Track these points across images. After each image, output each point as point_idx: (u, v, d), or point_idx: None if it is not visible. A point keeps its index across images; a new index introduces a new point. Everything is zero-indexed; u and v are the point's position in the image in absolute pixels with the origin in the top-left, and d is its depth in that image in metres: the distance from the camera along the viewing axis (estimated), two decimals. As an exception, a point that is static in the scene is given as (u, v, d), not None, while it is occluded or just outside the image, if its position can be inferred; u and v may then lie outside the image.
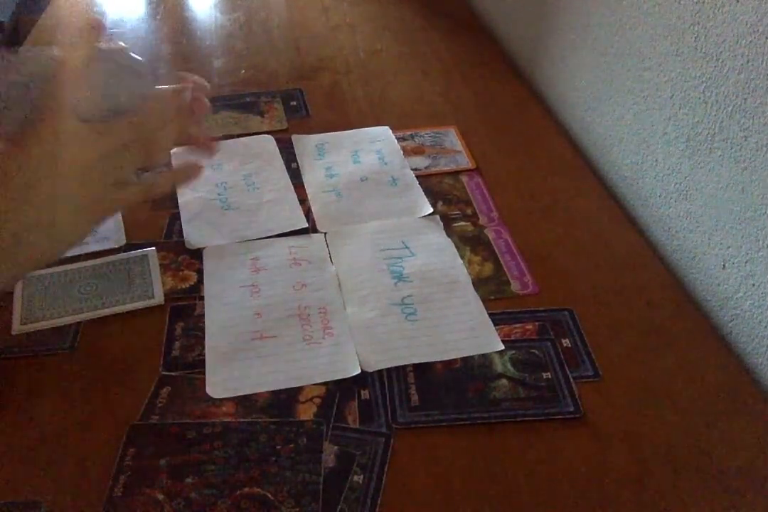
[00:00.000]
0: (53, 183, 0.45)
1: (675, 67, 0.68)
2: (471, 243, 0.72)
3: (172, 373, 0.59)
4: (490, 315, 0.63)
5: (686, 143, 0.68)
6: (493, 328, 0.62)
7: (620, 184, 0.81)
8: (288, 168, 0.83)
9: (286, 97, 0.96)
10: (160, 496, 0.50)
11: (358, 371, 0.58)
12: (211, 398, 0.57)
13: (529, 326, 0.63)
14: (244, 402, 0.57)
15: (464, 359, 0.60)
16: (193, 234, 0.73)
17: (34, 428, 0.55)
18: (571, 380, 0.58)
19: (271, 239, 0.72)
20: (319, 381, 0.58)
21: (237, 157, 0.84)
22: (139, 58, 0.50)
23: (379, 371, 0.59)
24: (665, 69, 0.69)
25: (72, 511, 0.50)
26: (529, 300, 0.65)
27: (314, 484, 0.51)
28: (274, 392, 0.57)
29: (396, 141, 0.86)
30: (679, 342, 0.61)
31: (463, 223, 0.74)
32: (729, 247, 0.64)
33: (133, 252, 0.70)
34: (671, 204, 0.72)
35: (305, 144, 0.86)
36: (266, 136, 0.88)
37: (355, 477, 0.51)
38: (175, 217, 0.75)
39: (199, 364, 0.59)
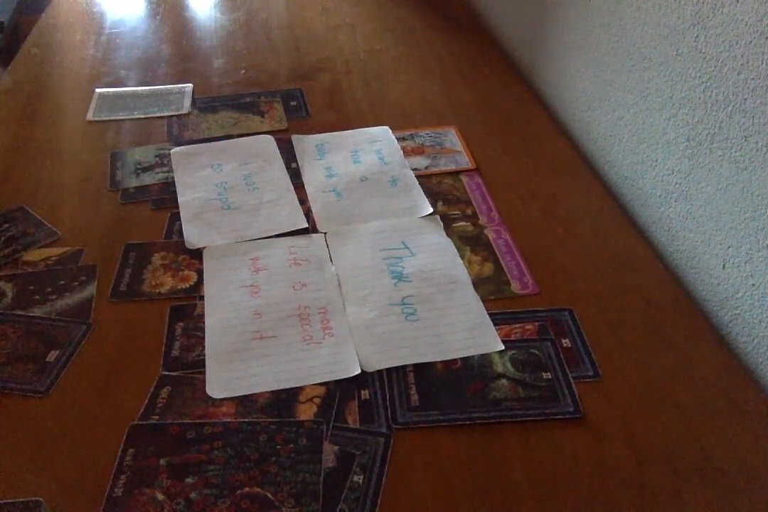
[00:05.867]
0: None
1: (675, 67, 0.68)
2: (471, 243, 0.72)
3: (172, 373, 0.59)
4: (490, 315, 0.63)
5: (686, 143, 0.68)
6: (493, 328, 0.62)
7: (620, 184, 0.81)
8: (288, 168, 0.83)
9: (286, 97, 0.96)
10: (160, 496, 0.50)
11: (358, 371, 0.58)
12: (211, 398, 0.57)
13: (529, 326, 0.63)
14: (244, 402, 0.57)
15: (464, 359, 0.60)
16: (193, 234, 0.73)
17: (34, 428, 0.55)
18: (571, 380, 0.58)
19: (271, 239, 0.72)
20: (319, 381, 0.58)
21: (237, 157, 0.84)
22: None
23: (379, 371, 0.59)
24: (665, 69, 0.69)
25: (72, 511, 0.50)
26: (529, 300, 0.65)
27: (314, 484, 0.51)
28: (274, 392, 0.57)
29: (396, 141, 0.86)
30: (679, 342, 0.61)
31: (463, 223, 0.74)
32: (729, 247, 0.64)
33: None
34: (671, 204, 0.72)
35: (305, 144, 0.87)
36: (266, 136, 0.88)
37: (355, 477, 0.51)
38: (175, 217, 0.75)
39: (199, 364, 0.59)
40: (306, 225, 0.74)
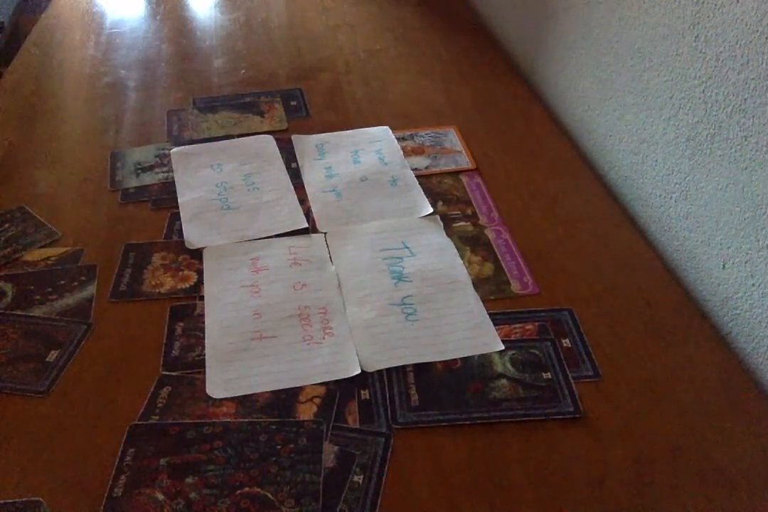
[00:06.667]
0: None
1: (675, 67, 0.68)
2: (471, 243, 0.72)
3: (172, 373, 0.59)
4: (490, 315, 0.63)
5: (686, 143, 0.68)
6: (493, 328, 0.62)
7: (620, 184, 0.81)
8: (288, 168, 0.83)
9: (286, 97, 0.96)
10: (160, 496, 0.50)
11: (358, 371, 0.58)
12: (211, 398, 0.57)
13: (529, 326, 0.63)
14: (244, 402, 0.57)
15: (464, 359, 0.60)
16: (193, 234, 0.73)
17: (34, 428, 0.55)
18: (571, 380, 0.58)
19: (271, 239, 0.72)
20: (319, 381, 0.58)
21: (237, 157, 0.84)
22: None
23: (379, 371, 0.59)
24: (665, 69, 0.69)
25: (72, 511, 0.50)
26: (529, 300, 0.65)
27: (314, 484, 0.51)
28: (274, 392, 0.57)
29: (396, 141, 0.86)
30: (679, 342, 0.61)
31: (463, 223, 0.74)
32: (729, 247, 0.64)
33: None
34: (671, 204, 0.72)
35: (305, 144, 0.87)
36: (266, 136, 0.88)
37: (355, 477, 0.51)
38: (175, 217, 0.75)
39: (199, 364, 0.59)
40: (306, 225, 0.74)
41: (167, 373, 0.59)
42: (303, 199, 0.78)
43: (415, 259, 0.69)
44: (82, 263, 0.70)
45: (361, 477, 0.51)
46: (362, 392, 0.57)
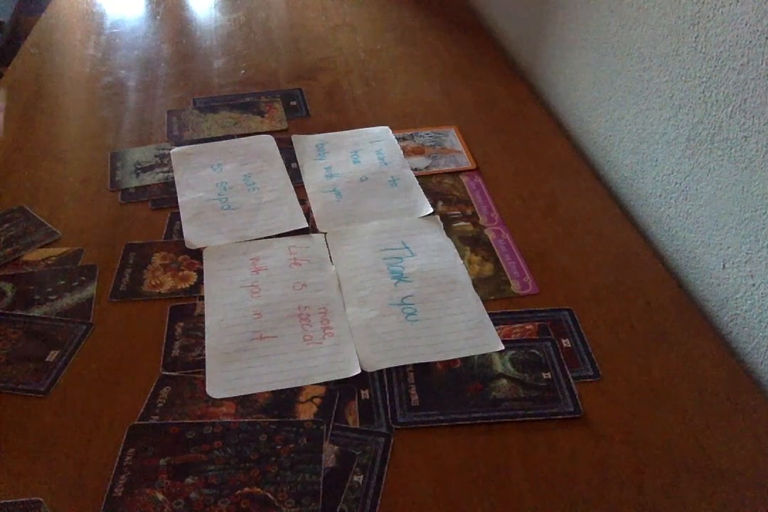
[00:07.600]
0: None
1: (675, 67, 0.68)
2: (471, 243, 0.72)
3: (172, 373, 0.59)
4: (490, 315, 0.63)
5: (686, 143, 0.68)
6: (493, 328, 0.62)
7: (620, 184, 0.81)
8: (288, 168, 0.83)
9: (286, 97, 0.96)
10: (160, 496, 0.50)
11: (358, 371, 0.58)
12: (211, 398, 0.57)
13: (529, 326, 0.63)
14: (244, 402, 0.57)
15: (464, 359, 0.60)
16: (193, 234, 0.73)
17: (34, 428, 0.55)
18: (571, 380, 0.58)
19: (271, 239, 0.72)
20: (319, 381, 0.58)
21: (237, 157, 0.84)
22: None
23: (379, 371, 0.59)
24: (665, 69, 0.69)
25: (72, 511, 0.50)
26: (529, 300, 0.65)
27: (314, 484, 0.51)
28: (274, 392, 0.57)
29: (396, 141, 0.86)
30: (679, 342, 0.61)
31: (463, 223, 0.74)
32: (729, 247, 0.64)
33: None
34: (671, 204, 0.72)
35: (305, 144, 0.87)
36: (266, 136, 0.88)
37: (355, 477, 0.51)
38: (175, 217, 0.75)
39: (199, 364, 0.59)
40: (306, 225, 0.74)
41: (167, 373, 0.59)
42: (303, 199, 0.78)
43: (415, 259, 0.69)
44: (82, 263, 0.70)
45: (361, 477, 0.51)
46: (362, 392, 0.57)
